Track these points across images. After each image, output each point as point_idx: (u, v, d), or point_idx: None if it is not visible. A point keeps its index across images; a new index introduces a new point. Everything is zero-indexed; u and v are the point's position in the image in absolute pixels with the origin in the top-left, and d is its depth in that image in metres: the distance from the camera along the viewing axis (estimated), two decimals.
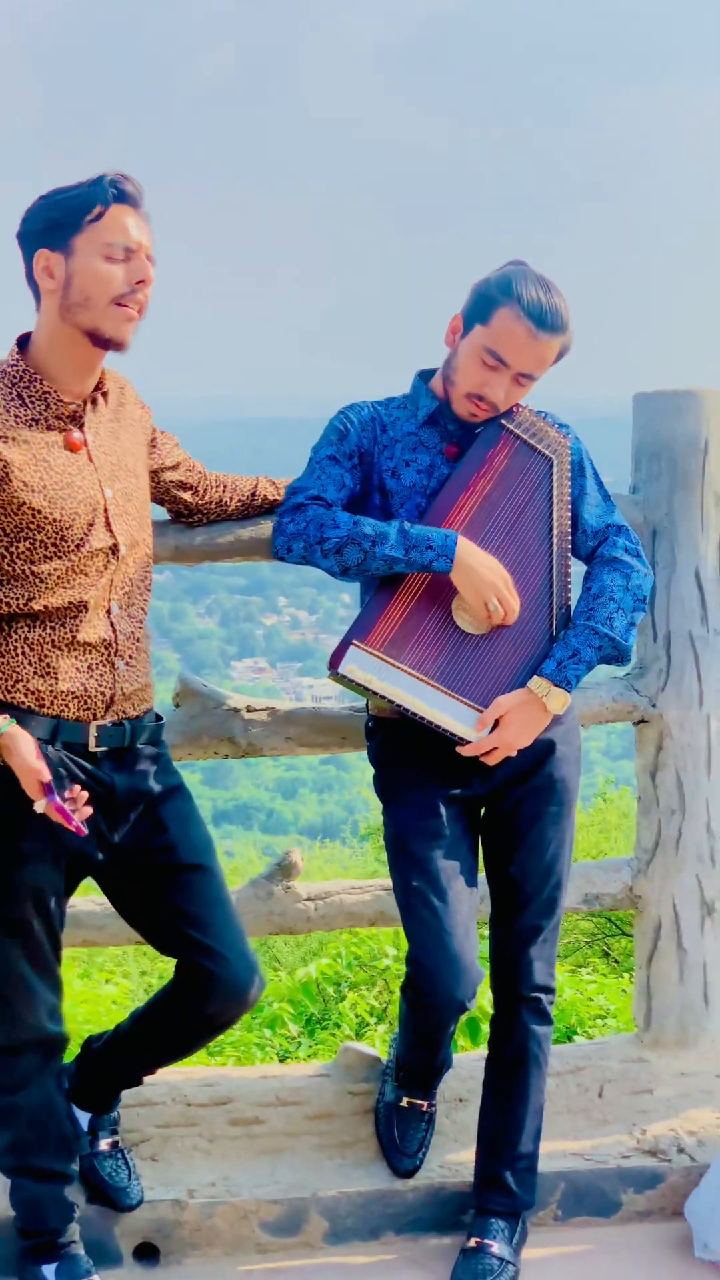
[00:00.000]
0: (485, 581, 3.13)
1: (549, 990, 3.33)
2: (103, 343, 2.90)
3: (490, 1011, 3.40)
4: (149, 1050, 3.22)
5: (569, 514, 3.29)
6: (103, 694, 2.94)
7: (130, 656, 3.00)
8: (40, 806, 2.77)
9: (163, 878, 3.05)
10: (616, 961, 9.49)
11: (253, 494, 3.43)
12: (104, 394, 3.01)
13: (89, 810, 2.82)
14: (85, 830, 2.80)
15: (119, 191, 2.86)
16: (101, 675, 2.94)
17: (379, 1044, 6.60)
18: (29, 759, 2.79)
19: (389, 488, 3.27)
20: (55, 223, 2.84)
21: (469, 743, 3.17)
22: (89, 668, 2.93)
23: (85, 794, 2.83)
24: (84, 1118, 3.37)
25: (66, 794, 2.80)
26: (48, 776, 2.77)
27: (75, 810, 2.79)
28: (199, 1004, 3.06)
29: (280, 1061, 7.04)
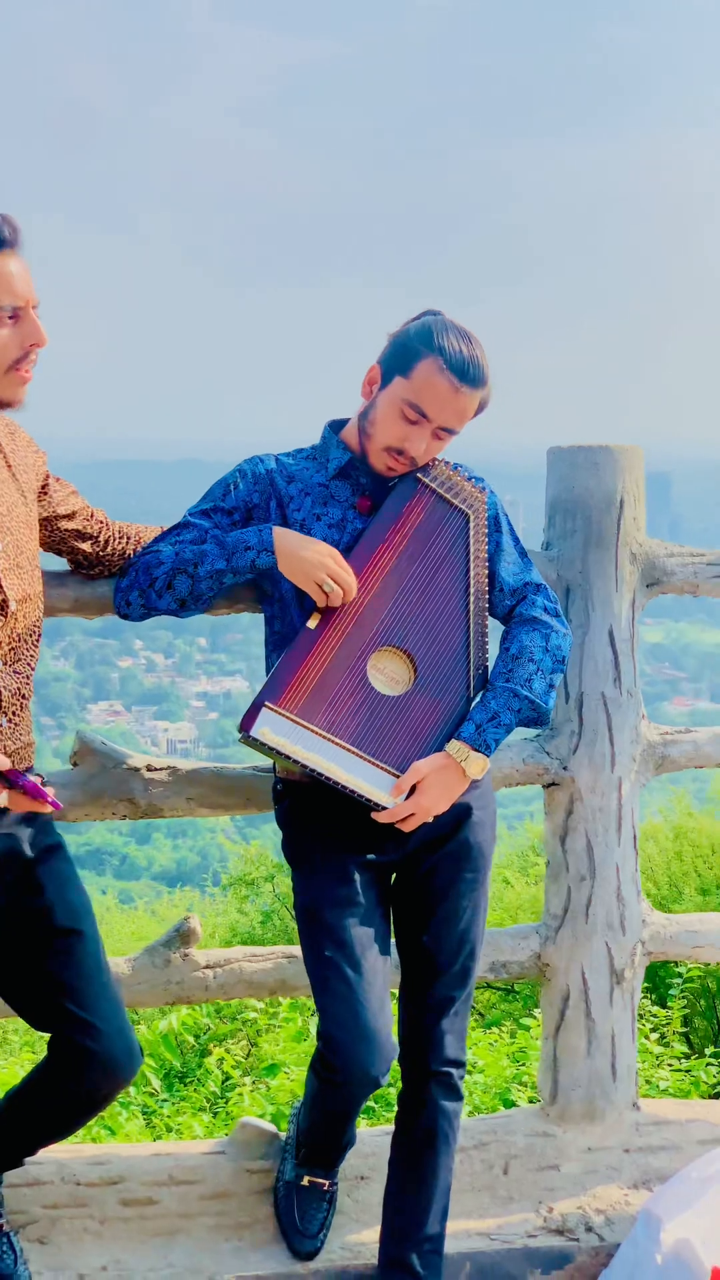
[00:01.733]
0: (313, 563, 3.03)
1: (460, 1064, 3.22)
2: (2, 405, 2.79)
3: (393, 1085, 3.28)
4: (26, 1131, 3.06)
5: (486, 571, 3.20)
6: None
7: (14, 714, 2.86)
8: (2, 800, 2.65)
9: (37, 943, 2.90)
10: (481, 1014, 9.42)
11: None
12: None
13: (52, 790, 2.69)
14: (60, 805, 2.69)
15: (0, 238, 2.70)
16: None
17: (246, 1099, 6.43)
18: None
19: None
20: None
21: (385, 809, 3.05)
22: None
23: (38, 776, 2.72)
24: None
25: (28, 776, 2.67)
26: (6, 764, 2.64)
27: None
28: (74, 1081, 2.91)
29: (146, 1121, 6.84)
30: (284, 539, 3.04)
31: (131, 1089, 7.25)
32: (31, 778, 2.72)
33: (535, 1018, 7.10)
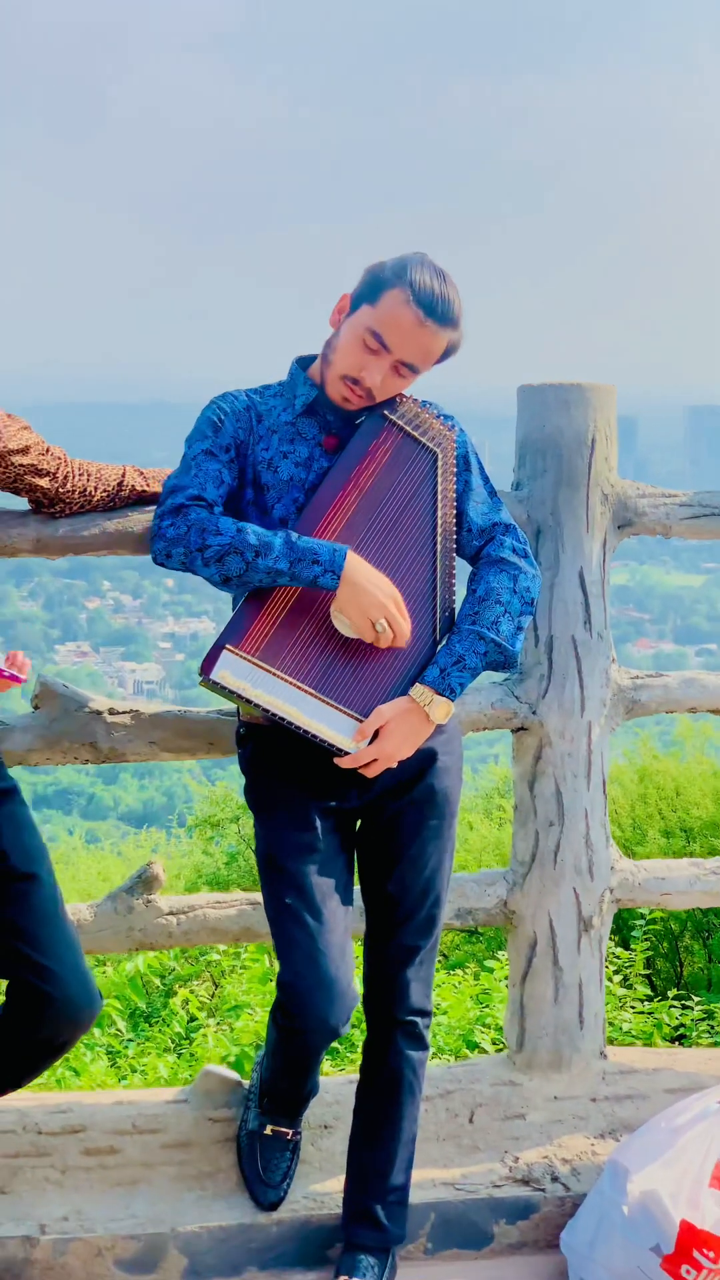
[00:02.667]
0: (373, 602, 2.96)
1: (425, 1013, 3.18)
2: None
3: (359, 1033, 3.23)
4: None
5: (454, 511, 3.13)
6: None
7: None
8: None
9: None
10: (444, 955, 9.41)
11: (119, 484, 3.22)
12: None
13: (28, 662, 2.62)
14: (22, 679, 2.63)
15: None
16: None
17: (210, 1040, 6.40)
18: None
19: (264, 481, 3.08)
20: None
21: (347, 754, 2.99)
22: None
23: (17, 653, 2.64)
24: None
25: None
26: None
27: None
28: (33, 1027, 2.85)
29: (110, 1061, 6.81)
30: (355, 569, 2.94)
31: (96, 1030, 7.22)
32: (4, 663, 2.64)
33: (499, 960, 7.09)
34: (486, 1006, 6.66)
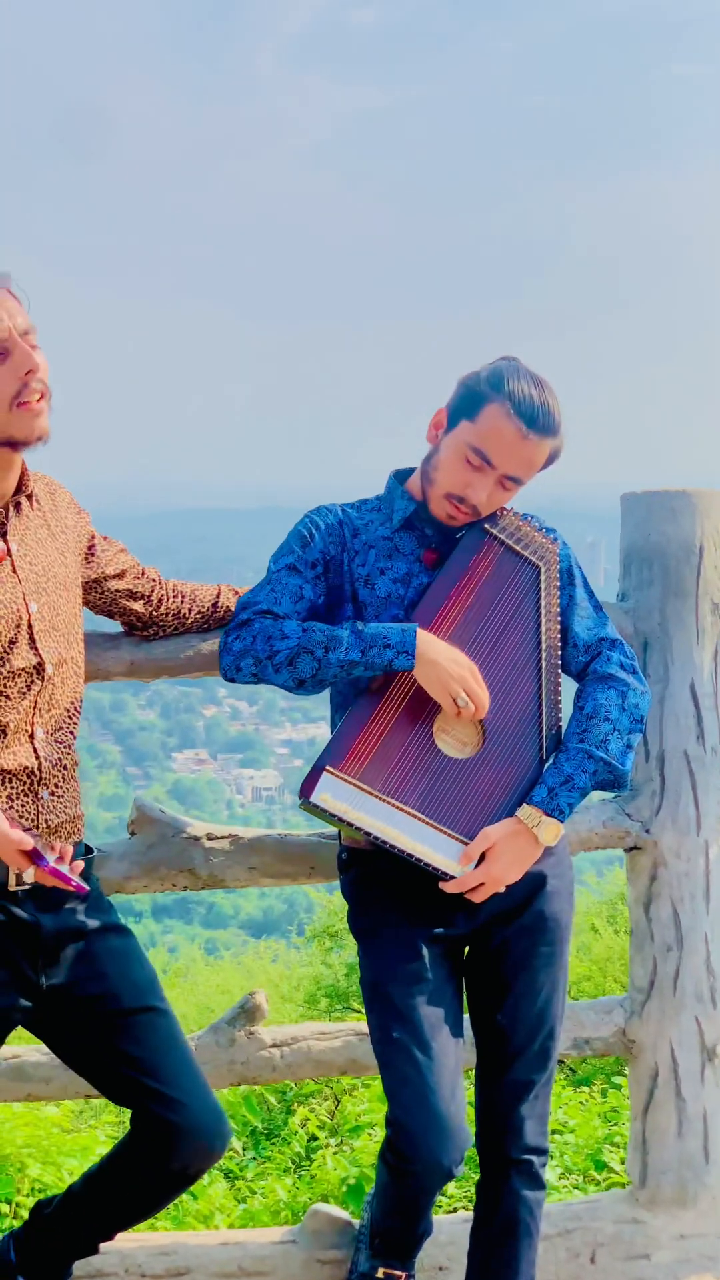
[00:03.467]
0: (451, 675, 2.88)
1: (541, 1151, 3.04)
2: (14, 444, 2.64)
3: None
4: (107, 1213, 2.91)
5: (558, 626, 3.04)
6: (22, 825, 2.67)
7: (56, 785, 2.74)
8: (30, 876, 2.54)
9: (106, 1026, 2.77)
10: (572, 1070, 9.19)
11: (214, 604, 3.17)
12: (29, 497, 2.74)
13: (80, 864, 2.58)
14: (86, 888, 2.55)
15: None
16: (23, 806, 2.69)
17: (329, 1161, 6.25)
18: (6, 830, 2.52)
19: (362, 598, 3.01)
20: None
21: (453, 878, 2.88)
22: (9, 798, 2.67)
23: (66, 848, 2.59)
24: None
25: (54, 855, 2.53)
26: (30, 843, 2.52)
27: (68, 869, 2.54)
28: (162, 1159, 2.77)
29: (228, 1181, 6.67)
30: (427, 646, 2.88)
31: None
32: (54, 862, 2.57)
33: (627, 1075, 6.87)
34: (614, 1124, 6.45)
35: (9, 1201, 5.10)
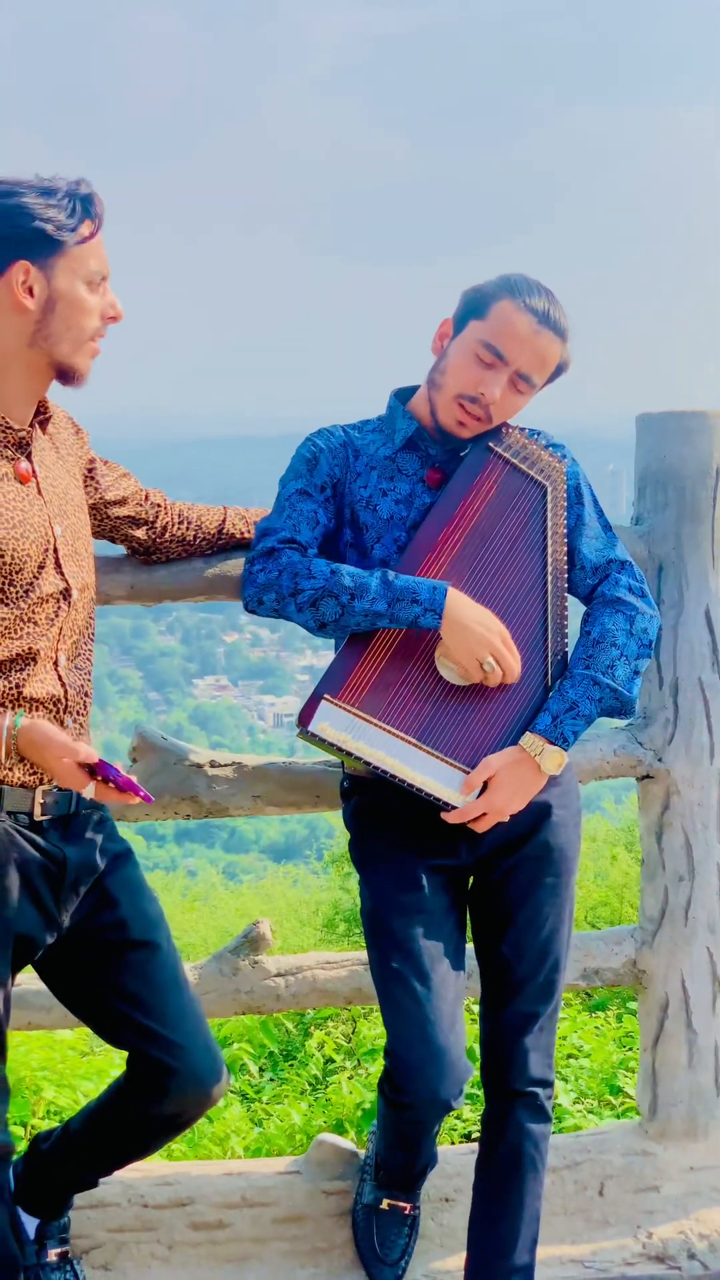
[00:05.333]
0: (480, 640, 2.80)
1: (547, 1084, 2.98)
2: (67, 377, 2.58)
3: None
4: (101, 1152, 2.88)
5: (565, 548, 2.95)
6: None
7: (78, 713, 2.67)
8: (89, 793, 2.44)
9: (110, 958, 2.72)
10: (588, 995, 9.18)
11: (220, 529, 3.09)
12: (46, 420, 2.65)
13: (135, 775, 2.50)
14: (152, 798, 2.48)
15: (98, 210, 2.52)
16: None
17: (345, 1086, 6.24)
18: (70, 743, 2.45)
19: (363, 520, 2.93)
20: (41, 234, 2.45)
21: (454, 808, 2.82)
22: None
23: (121, 764, 2.55)
24: (31, 1223, 3.01)
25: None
26: (96, 756, 2.43)
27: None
28: (155, 1102, 2.73)
29: (244, 1104, 6.68)
30: (456, 606, 2.80)
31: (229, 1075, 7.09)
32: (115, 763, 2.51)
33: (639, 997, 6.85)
34: (630, 1050, 6.43)
35: (25, 1124, 5.11)
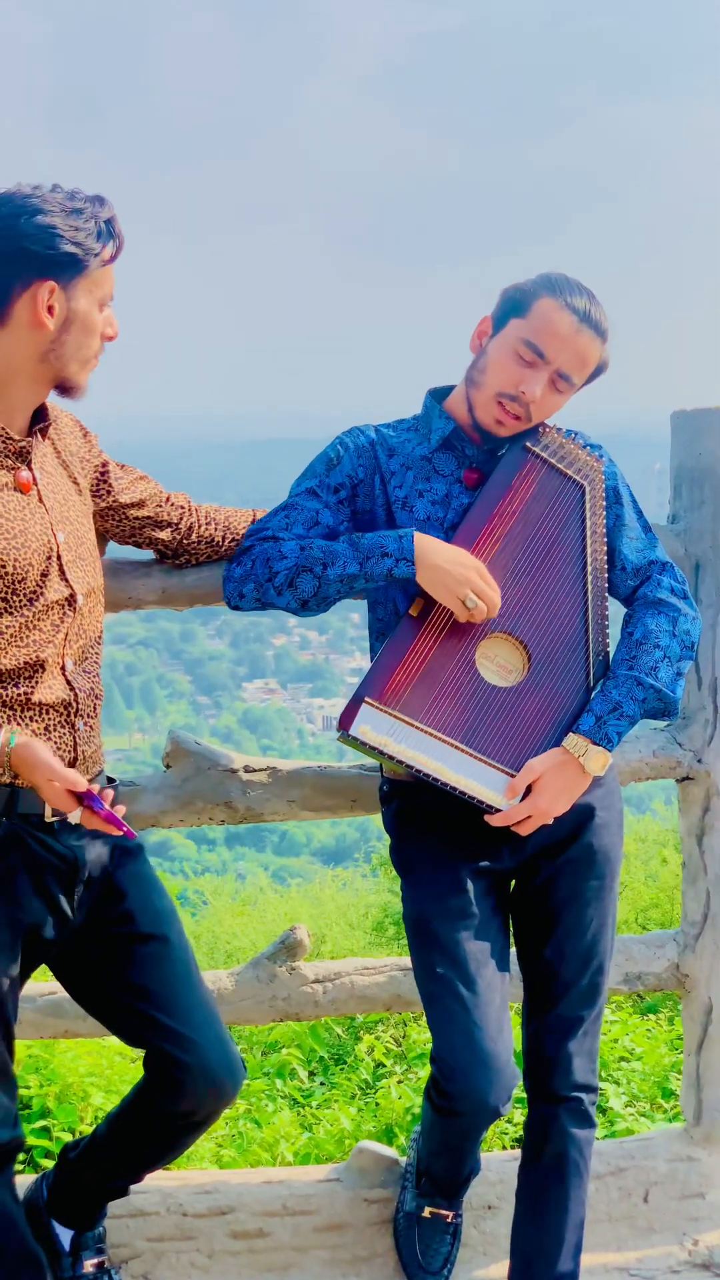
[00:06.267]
0: (456, 578, 2.76)
1: (591, 1089, 2.94)
2: (68, 391, 2.62)
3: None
4: (127, 1158, 2.86)
5: (605, 548, 2.92)
6: (62, 758, 2.62)
7: (89, 716, 2.68)
8: (76, 817, 2.45)
9: (118, 951, 2.71)
10: (640, 997, 9.12)
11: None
12: (47, 427, 2.68)
13: (123, 808, 2.50)
14: (135, 834, 2.50)
15: (118, 232, 2.58)
16: (61, 738, 2.62)
17: (395, 1091, 6.21)
18: (58, 767, 2.45)
19: (400, 521, 2.90)
20: (71, 256, 2.50)
21: (498, 811, 2.79)
22: (47, 730, 2.60)
23: (111, 792, 2.51)
24: (66, 1235, 2.99)
25: (100, 798, 2.47)
26: (85, 784, 2.44)
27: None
28: (171, 1099, 2.71)
29: (293, 1109, 6.65)
30: (426, 548, 2.77)
31: (279, 1081, 7.08)
32: (102, 792, 2.50)
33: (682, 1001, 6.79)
34: (682, 1052, 6.37)
35: (73, 1130, 5.10)
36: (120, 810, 2.48)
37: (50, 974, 2.89)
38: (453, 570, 2.76)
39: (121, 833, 2.47)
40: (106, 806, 2.46)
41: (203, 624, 70.11)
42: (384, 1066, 7.00)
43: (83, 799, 2.46)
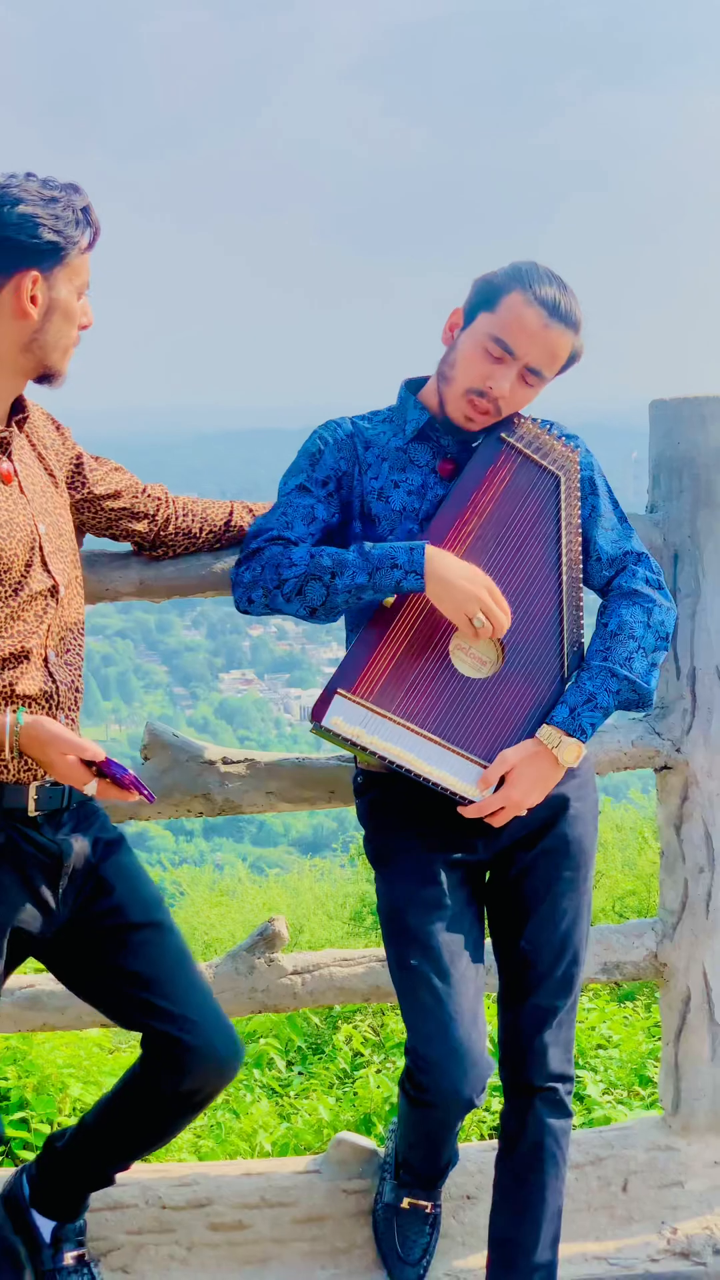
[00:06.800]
0: (466, 594, 2.75)
1: (567, 1079, 2.94)
2: (48, 379, 2.63)
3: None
4: (121, 1142, 2.86)
5: (579, 538, 2.91)
6: None
7: (69, 709, 2.67)
8: (92, 790, 2.45)
9: (112, 943, 2.71)
10: (616, 984, 9.15)
11: (227, 523, 3.07)
12: (25, 418, 2.67)
13: (132, 773, 2.49)
14: (154, 798, 2.49)
15: (94, 220, 2.58)
16: None
17: (373, 1080, 6.22)
18: (74, 739, 2.45)
19: (375, 512, 2.89)
20: (53, 245, 2.50)
21: (471, 802, 2.78)
22: None
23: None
24: (47, 1227, 2.98)
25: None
26: (102, 754, 2.43)
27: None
28: (172, 1080, 2.71)
29: (271, 1099, 6.65)
30: (436, 563, 2.75)
31: (256, 1071, 7.08)
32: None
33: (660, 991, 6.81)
34: (659, 1040, 6.40)
35: (51, 1122, 5.09)
36: (128, 778, 2.49)
37: (27, 968, 2.88)
38: (463, 587, 2.75)
39: (143, 796, 2.46)
40: (128, 771, 2.45)
41: (179, 615, 70.05)
42: (362, 1056, 7.00)
43: (100, 768, 2.45)
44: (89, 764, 2.46)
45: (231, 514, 3.09)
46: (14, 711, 2.48)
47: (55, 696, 2.62)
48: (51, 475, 2.73)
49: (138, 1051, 5.23)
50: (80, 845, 2.68)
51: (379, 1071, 6.31)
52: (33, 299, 2.51)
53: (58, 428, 2.81)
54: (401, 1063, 6.10)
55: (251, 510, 3.11)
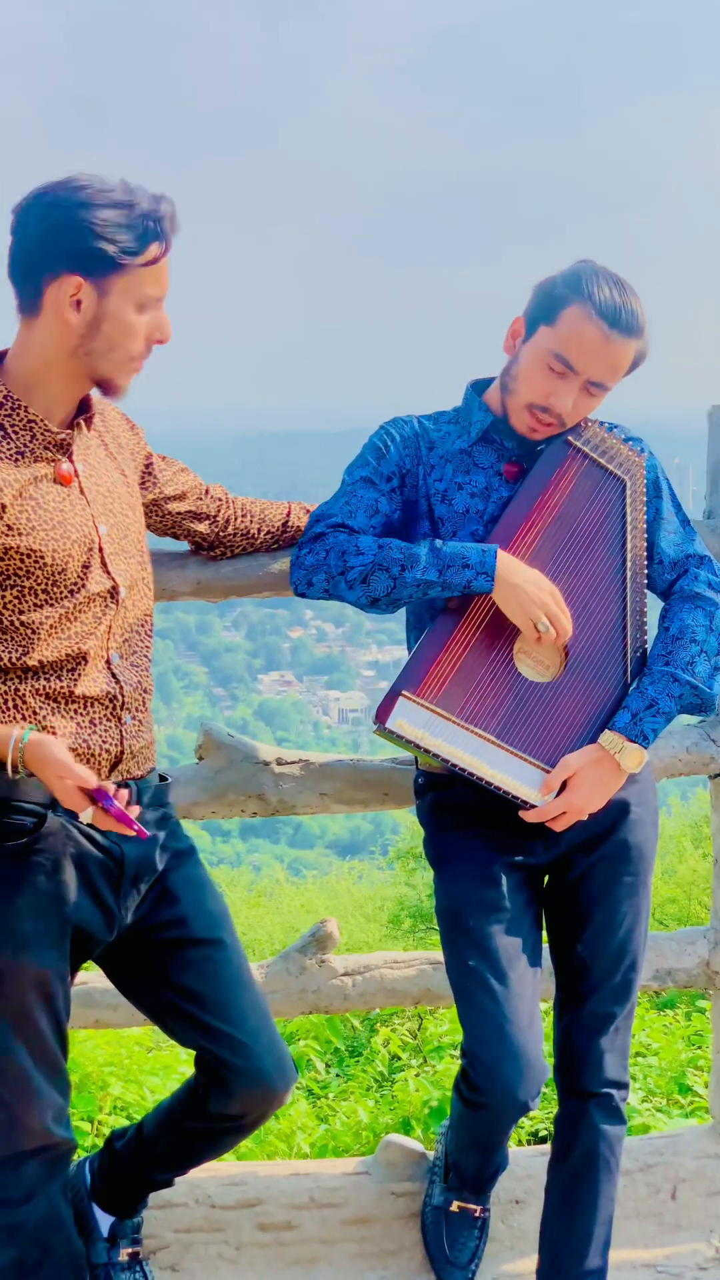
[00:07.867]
0: (533, 599, 2.75)
1: (622, 1085, 2.93)
2: (105, 389, 2.57)
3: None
4: (174, 1152, 2.86)
5: (644, 542, 2.90)
6: (108, 752, 2.59)
7: (137, 710, 2.64)
8: (87, 816, 2.41)
9: (172, 956, 2.69)
10: (655, 993, 9.12)
11: (284, 524, 3.06)
12: (90, 418, 2.64)
13: (137, 809, 2.46)
14: (147, 833, 2.45)
15: (168, 231, 2.49)
16: (106, 731, 2.59)
17: (411, 1083, 6.21)
18: (71, 765, 2.40)
19: (439, 514, 2.88)
20: (102, 253, 2.42)
21: (533, 807, 2.78)
22: (91, 723, 2.57)
23: (126, 792, 2.45)
24: (105, 1221, 2.99)
25: (114, 796, 2.43)
26: (95, 782, 2.40)
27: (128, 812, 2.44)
28: (221, 1102, 2.70)
29: (310, 1101, 6.66)
30: (507, 567, 2.75)
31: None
32: (117, 792, 2.47)
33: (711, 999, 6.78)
34: (699, 1048, 6.37)
35: (92, 1120, 5.10)
36: (134, 811, 2.45)
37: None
38: (531, 592, 2.75)
39: (133, 832, 2.44)
40: (119, 805, 2.42)
41: (219, 615, 70.23)
42: (399, 1059, 7.00)
43: (95, 797, 2.43)
44: (86, 791, 2.44)
45: (289, 515, 3.08)
46: (24, 727, 2.46)
47: (119, 697, 2.59)
48: (124, 475, 2.70)
49: (176, 1050, 5.25)
50: (144, 850, 2.65)
51: (418, 1075, 6.31)
52: (77, 305, 2.45)
53: (132, 427, 2.79)
54: (440, 1066, 6.10)
55: (308, 510, 3.11)
